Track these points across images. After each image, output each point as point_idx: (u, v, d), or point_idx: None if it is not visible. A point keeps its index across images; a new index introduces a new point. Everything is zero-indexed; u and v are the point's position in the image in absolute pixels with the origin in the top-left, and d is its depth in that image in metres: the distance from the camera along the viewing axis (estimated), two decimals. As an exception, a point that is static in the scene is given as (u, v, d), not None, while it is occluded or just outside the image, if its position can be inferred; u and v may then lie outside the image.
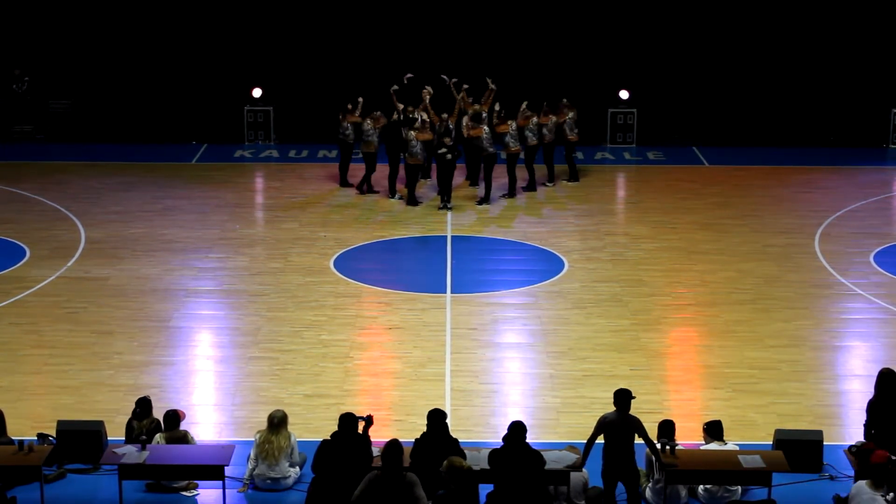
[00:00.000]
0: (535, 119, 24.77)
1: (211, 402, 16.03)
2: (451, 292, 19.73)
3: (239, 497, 13.45)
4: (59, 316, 18.64)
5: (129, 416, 14.20)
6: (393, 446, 11.84)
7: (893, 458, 12.20)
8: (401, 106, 24.43)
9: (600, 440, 12.67)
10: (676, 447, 13.05)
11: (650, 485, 13.26)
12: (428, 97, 24.65)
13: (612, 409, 12.63)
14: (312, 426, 14.77)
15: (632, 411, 12.59)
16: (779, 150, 28.87)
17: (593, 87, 29.29)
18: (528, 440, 12.30)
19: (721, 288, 20.03)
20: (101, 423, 14.14)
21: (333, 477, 12.31)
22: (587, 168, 27.19)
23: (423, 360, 17.13)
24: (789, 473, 13.16)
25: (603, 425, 12.60)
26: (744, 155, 28.44)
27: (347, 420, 12.58)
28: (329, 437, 12.59)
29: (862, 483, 12.04)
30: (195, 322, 18.66)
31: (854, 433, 14.61)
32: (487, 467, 12.44)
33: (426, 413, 12.76)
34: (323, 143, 27.92)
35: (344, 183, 25.34)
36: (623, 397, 12.57)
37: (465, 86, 24.90)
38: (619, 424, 12.53)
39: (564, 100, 25.57)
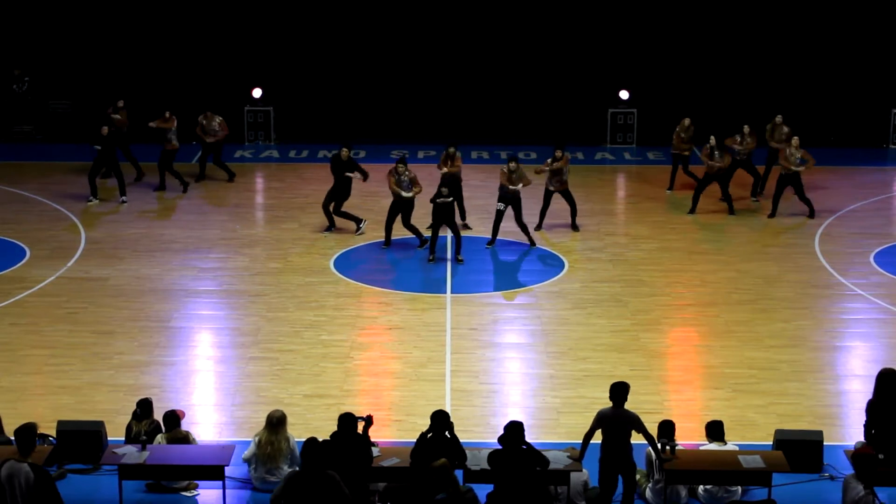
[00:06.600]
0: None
1: (211, 402, 16.02)
2: (451, 292, 19.73)
3: (239, 497, 13.45)
4: (59, 316, 18.64)
5: (129, 416, 14.20)
6: (311, 444, 11.89)
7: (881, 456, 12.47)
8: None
9: (597, 439, 12.69)
10: (676, 447, 13.06)
11: (650, 485, 13.25)
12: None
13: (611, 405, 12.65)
14: (312, 426, 14.75)
15: (632, 411, 12.60)
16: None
17: (593, 87, 29.30)
18: (528, 440, 12.29)
19: (721, 288, 20.03)
20: (101, 424, 14.14)
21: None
22: (587, 168, 27.22)
23: (423, 360, 17.12)
24: (789, 474, 13.16)
25: (600, 419, 12.61)
26: (744, 155, 28.42)
27: (347, 420, 12.59)
28: (329, 438, 12.59)
29: (851, 476, 12.29)
30: (195, 322, 18.66)
31: (854, 433, 14.61)
32: (487, 467, 12.45)
33: (427, 413, 12.78)
34: (323, 142, 27.91)
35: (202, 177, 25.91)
36: (618, 391, 12.57)
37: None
38: (615, 419, 12.53)
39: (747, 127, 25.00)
